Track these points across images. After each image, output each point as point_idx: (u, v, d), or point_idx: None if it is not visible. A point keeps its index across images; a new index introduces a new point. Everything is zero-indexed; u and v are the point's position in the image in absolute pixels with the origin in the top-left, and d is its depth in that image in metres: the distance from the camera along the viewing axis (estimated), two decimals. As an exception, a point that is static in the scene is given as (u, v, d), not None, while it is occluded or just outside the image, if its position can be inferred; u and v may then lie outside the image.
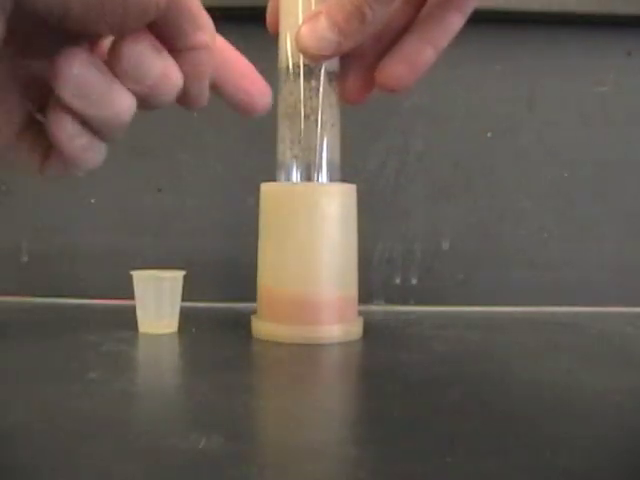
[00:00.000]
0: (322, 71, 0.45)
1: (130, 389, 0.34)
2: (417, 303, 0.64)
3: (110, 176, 0.63)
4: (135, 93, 0.28)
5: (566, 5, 0.61)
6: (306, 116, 0.45)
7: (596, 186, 0.65)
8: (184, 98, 0.31)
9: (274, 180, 0.47)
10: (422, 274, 0.64)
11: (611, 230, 0.65)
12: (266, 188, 0.47)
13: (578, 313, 0.62)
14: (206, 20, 0.30)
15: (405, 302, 0.64)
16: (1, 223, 0.65)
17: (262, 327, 0.46)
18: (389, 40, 0.44)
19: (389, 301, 0.64)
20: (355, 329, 0.47)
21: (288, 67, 0.45)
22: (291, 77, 0.45)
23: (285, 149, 0.45)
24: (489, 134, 0.64)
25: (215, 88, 0.32)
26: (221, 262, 0.64)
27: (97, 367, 0.37)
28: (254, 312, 0.48)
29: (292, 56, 0.45)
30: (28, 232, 0.65)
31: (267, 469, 0.23)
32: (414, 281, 0.64)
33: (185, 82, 0.29)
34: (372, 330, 0.48)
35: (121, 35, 0.27)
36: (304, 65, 0.44)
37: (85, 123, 0.27)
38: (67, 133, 0.27)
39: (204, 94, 0.31)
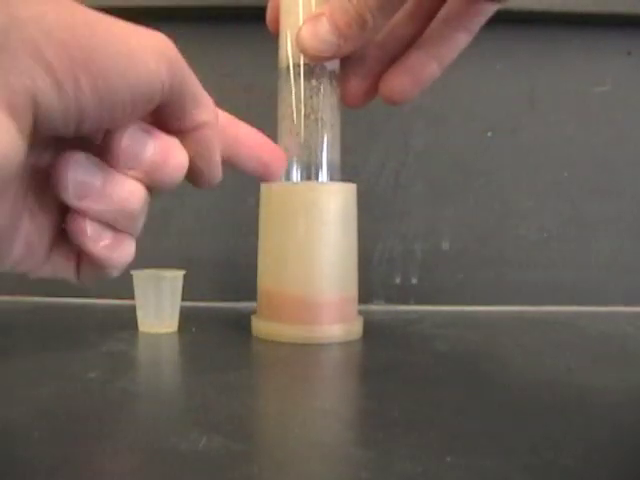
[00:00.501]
0: (323, 71, 0.45)
1: (130, 389, 0.34)
2: (417, 303, 0.64)
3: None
4: (138, 179, 0.28)
5: (566, 5, 0.61)
6: (306, 115, 0.45)
7: (596, 186, 0.65)
8: (196, 178, 0.31)
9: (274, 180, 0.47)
10: (422, 274, 0.64)
11: (611, 230, 0.65)
12: (266, 188, 0.47)
13: (578, 313, 0.62)
14: (206, 97, 0.30)
15: (405, 302, 0.64)
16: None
17: (262, 327, 0.46)
18: (394, 50, 0.44)
19: (389, 301, 0.64)
20: (355, 329, 0.47)
21: (288, 66, 0.45)
22: (291, 76, 0.45)
23: (285, 148, 0.45)
24: (489, 134, 0.64)
25: (228, 162, 0.33)
26: (221, 262, 0.64)
27: (97, 367, 0.37)
28: (254, 312, 0.48)
29: (292, 56, 0.45)
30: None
31: (267, 469, 0.23)
32: (414, 281, 0.64)
33: (195, 162, 0.30)
34: (372, 330, 0.48)
35: (125, 125, 0.27)
36: (304, 64, 0.44)
37: (102, 222, 0.28)
38: (88, 236, 0.28)
39: (216, 171, 0.32)
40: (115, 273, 0.30)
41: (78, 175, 0.27)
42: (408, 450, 0.25)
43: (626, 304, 0.64)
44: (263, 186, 0.47)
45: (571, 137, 0.65)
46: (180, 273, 0.47)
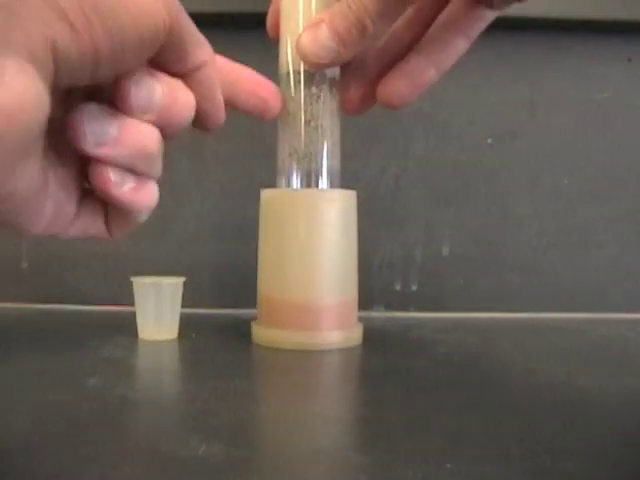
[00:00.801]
0: (323, 78, 0.45)
1: (130, 395, 0.33)
2: (417, 309, 0.64)
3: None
4: (151, 122, 0.29)
5: (567, 11, 0.61)
6: (306, 122, 0.45)
7: (596, 192, 0.65)
8: (202, 120, 0.32)
9: (274, 186, 0.47)
10: (422, 280, 0.64)
11: (611, 236, 0.65)
12: (266, 194, 0.47)
13: (578, 319, 0.62)
14: (203, 37, 0.31)
15: (405, 308, 0.64)
16: (1, 229, 0.65)
17: (262, 333, 0.46)
18: (393, 56, 0.44)
19: (389, 307, 0.64)
20: (355, 335, 0.47)
21: (289, 73, 0.45)
22: (291, 83, 0.45)
23: (285, 155, 0.46)
24: (489, 140, 0.65)
25: (228, 102, 0.34)
26: (221, 268, 0.64)
27: (97, 373, 0.37)
28: (254, 318, 0.48)
29: (292, 62, 0.45)
30: (28, 238, 0.65)
31: (267, 475, 0.23)
32: (414, 287, 0.64)
33: (199, 104, 0.31)
34: (372, 336, 0.48)
35: (132, 72, 0.28)
36: (304, 71, 0.44)
37: (122, 167, 0.29)
38: (112, 182, 0.29)
39: (220, 111, 0.33)
40: (142, 218, 0.32)
41: (93, 124, 0.27)
42: (408, 456, 0.25)
43: (626, 310, 0.64)
44: (263, 193, 0.47)
45: (571, 143, 0.65)
46: (180, 280, 0.47)
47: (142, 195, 0.30)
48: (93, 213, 0.31)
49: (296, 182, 0.45)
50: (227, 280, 0.64)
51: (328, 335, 0.45)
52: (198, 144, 0.63)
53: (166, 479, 0.22)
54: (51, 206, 0.28)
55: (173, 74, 0.30)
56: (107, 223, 0.32)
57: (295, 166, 0.45)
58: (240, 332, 0.49)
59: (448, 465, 0.24)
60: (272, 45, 0.46)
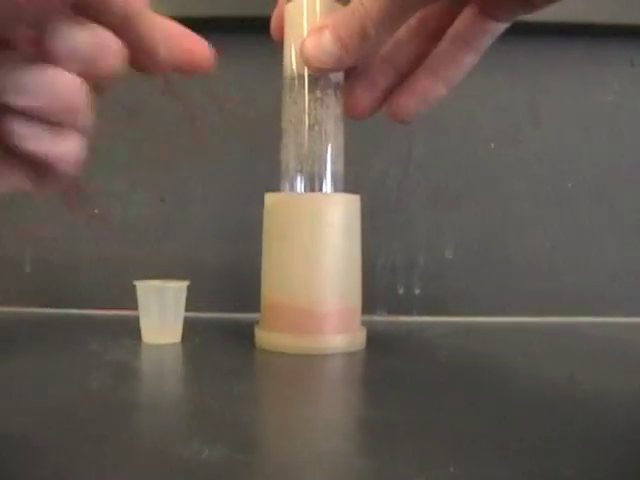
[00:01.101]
0: (327, 82, 0.45)
1: (133, 399, 0.34)
2: (420, 313, 0.64)
3: (112, 187, 0.63)
4: (74, 71, 0.27)
5: (569, 15, 0.61)
6: (310, 126, 0.45)
7: (599, 195, 0.65)
8: (138, 63, 0.31)
9: (278, 190, 0.47)
10: (425, 284, 0.64)
11: (615, 239, 0.65)
12: (270, 198, 0.47)
13: (580, 322, 0.62)
14: None
15: (408, 312, 0.64)
16: (4, 234, 0.65)
17: (265, 337, 0.46)
18: (399, 66, 0.45)
19: (392, 311, 0.64)
20: (358, 339, 0.47)
21: (293, 77, 0.45)
22: (295, 87, 0.45)
23: (289, 159, 0.46)
24: (492, 144, 0.65)
25: (154, 54, 0.31)
26: (225, 272, 0.64)
27: (100, 377, 0.37)
28: (257, 322, 0.48)
29: (297, 67, 0.45)
30: (31, 242, 0.65)
31: (270, 478, 0.23)
32: (417, 291, 0.64)
33: (134, 51, 0.29)
34: (375, 340, 0.48)
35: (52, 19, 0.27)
36: (309, 76, 0.44)
37: (39, 118, 0.27)
38: (18, 134, 0.27)
39: (157, 55, 0.31)
40: (66, 172, 0.29)
41: (8, 69, 0.26)
42: (411, 460, 0.25)
43: (629, 313, 0.64)
44: (267, 197, 0.47)
45: (574, 147, 0.65)
46: (184, 284, 0.48)
47: (59, 147, 0.28)
48: (20, 168, 0.29)
49: (300, 186, 0.45)
50: (231, 284, 0.64)
51: (331, 339, 0.45)
52: (201, 147, 0.64)
53: (169, 482, 0.22)
54: None
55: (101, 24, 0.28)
56: (33, 178, 0.30)
57: (299, 170, 0.45)
58: (243, 336, 0.49)
59: (451, 469, 0.24)
60: (276, 50, 0.47)
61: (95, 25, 0.28)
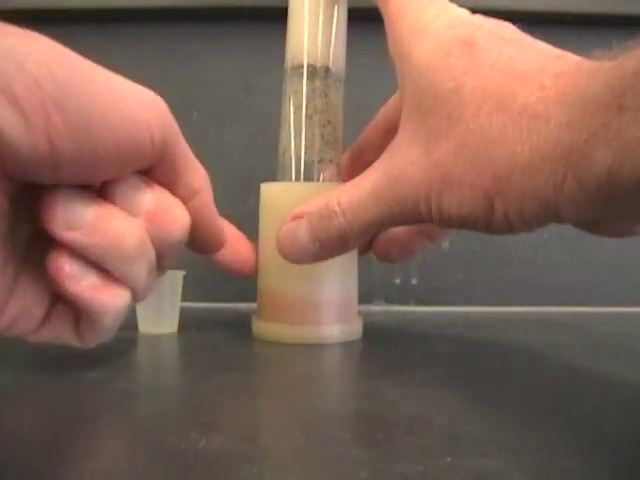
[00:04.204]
0: (327, 73, 0.44)
1: (129, 389, 0.34)
2: (417, 303, 0.64)
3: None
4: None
5: (569, 5, 0.61)
6: (308, 116, 0.45)
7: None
8: (199, 245, 0.34)
9: (274, 180, 0.47)
10: (422, 274, 0.64)
11: (612, 230, 0.65)
12: (266, 188, 0.47)
13: (578, 313, 0.62)
14: (198, 162, 0.31)
15: (405, 302, 0.64)
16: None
17: (262, 327, 0.46)
18: (433, 236, 0.46)
19: (389, 301, 0.64)
20: (355, 329, 0.47)
21: (292, 67, 0.45)
22: (295, 77, 0.45)
23: (286, 149, 0.45)
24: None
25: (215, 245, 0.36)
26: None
27: (97, 367, 0.37)
28: (254, 312, 0.48)
29: (296, 56, 0.44)
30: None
31: (267, 469, 0.23)
32: (414, 281, 0.64)
33: (195, 229, 0.31)
34: (372, 330, 0.48)
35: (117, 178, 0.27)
36: (308, 65, 0.44)
37: (89, 260, 0.27)
38: (66, 273, 0.26)
39: (219, 237, 0.35)
40: (107, 324, 0.29)
41: (68, 204, 0.25)
42: (408, 450, 0.25)
43: (626, 304, 0.64)
44: (263, 186, 0.47)
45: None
46: (180, 273, 0.47)
47: (105, 296, 0.27)
48: (64, 318, 0.29)
49: (296, 175, 0.45)
50: (227, 274, 0.64)
51: (328, 329, 0.45)
52: (197, 137, 0.63)
53: (165, 473, 0.22)
54: (15, 305, 0.27)
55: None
56: (78, 329, 0.30)
57: (296, 159, 0.45)
58: (240, 326, 0.49)
59: (448, 459, 0.24)
60: (276, 39, 0.46)
61: (165, 191, 0.29)
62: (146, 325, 0.47)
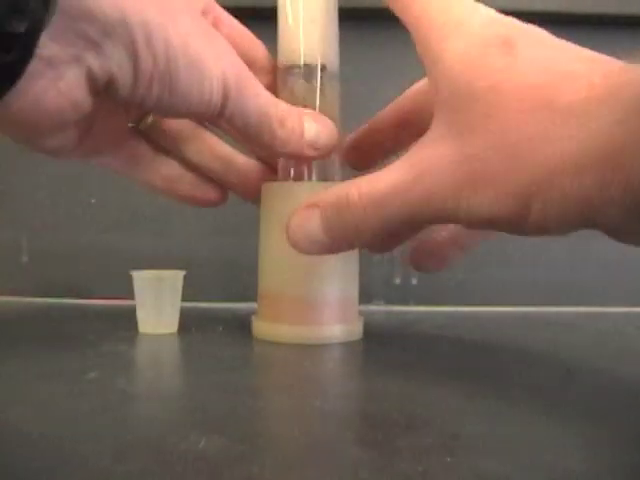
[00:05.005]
0: (323, 72, 0.44)
1: (130, 389, 0.33)
2: (417, 303, 0.64)
3: (110, 176, 0.63)
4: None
5: (571, 5, 0.61)
6: None
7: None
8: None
9: (275, 179, 0.46)
10: (422, 274, 0.64)
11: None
12: (267, 187, 0.47)
13: (578, 313, 0.62)
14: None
15: (405, 302, 0.64)
16: (1, 223, 0.65)
17: (262, 327, 0.46)
18: (469, 247, 0.46)
19: (389, 301, 0.64)
20: (356, 329, 0.47)
21: (288, 67, 0.45)
22: (291, 77, 0.45)
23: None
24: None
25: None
26: (221, 262, 0.64)
27: (97, 367, 0.37)
28: (255, 312, 0.48)
29: (290, 55, 0.44)
30: (28, 232, 0.65)
31: (267, 469, 0.23)
32: (414, 281, 0.64)
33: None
34: (372, 330, 0.48)
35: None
36: (304, 65, 0.44)
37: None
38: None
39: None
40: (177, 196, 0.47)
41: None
42: (408, 450, 0.25)
43: (626, 304, 0.64)
44: (263, 185, 0.47)
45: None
46: (180, 273, 0.47)
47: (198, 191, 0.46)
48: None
49: (297, 175, 0.45)
50: (227, 274, 0.64)
51: (328, 329, 0.45)
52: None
53: (165, 472, 0.22)
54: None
55: None
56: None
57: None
58: (240, 326, 0.49)
59: (448, 459, 0.24)
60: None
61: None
62: (146, 325, 0.47)
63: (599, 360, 0.42)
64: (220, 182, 0.46)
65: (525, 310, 0.62)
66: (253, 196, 0.47)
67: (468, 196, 0.30)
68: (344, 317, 0.46)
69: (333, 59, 0.45)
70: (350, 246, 0.38)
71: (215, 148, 0.44)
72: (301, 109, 0.41)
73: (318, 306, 0.44)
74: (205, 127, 0.44)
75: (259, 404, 0.32)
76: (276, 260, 0.46)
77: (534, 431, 0.28)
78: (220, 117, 0.36)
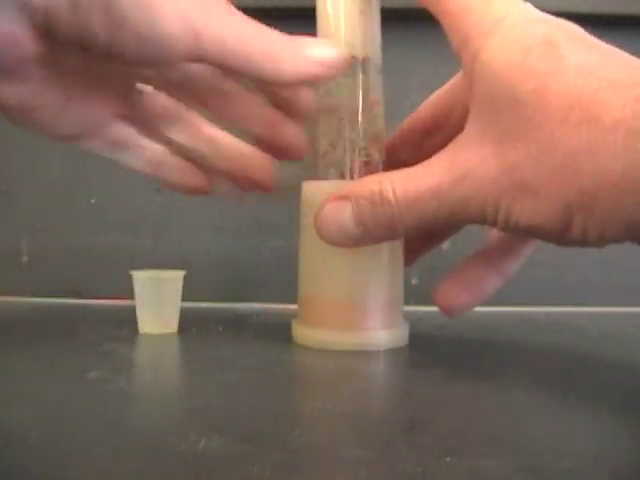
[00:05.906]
0: (368, 67, 0.42)
1: (130, 389, 0.33)
2: (417, 303, 0.64)
3: (110, 176, 0.63)
4: None
5: (571, 5, 0.61)
6: (367, 108, 0.43)
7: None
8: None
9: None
10: (422, 274, 0.64)
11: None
12: (309, 186, 0.44)
13: (578, 313, 0.62)
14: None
15: (405, 302, 0.64)
16: (1, 223, 0.65)
17: (303, 333, 0.44)
18: (504, 270, 0.41)
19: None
20: (402, 334, 0.46)
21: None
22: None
23: (327, 146, 0.43)
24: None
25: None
26: (221, 262, 0.64)
27: (97, 367, 0.37)
28: (295, 317, 0.46)
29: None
30: (28, 232, 0.65)
31: (267, 470, 0.23)
32: (414, 281, 0.64)
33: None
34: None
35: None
36: (353, 58, 0.41)
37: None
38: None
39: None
40: (167, 184, 0.42)
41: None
42: (408, 450, 0.25)
43: (626, 304, 0.64)
44: (305, 185, 0.44)
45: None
46: (180, 274, 0.47)
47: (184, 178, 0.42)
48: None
49: (341, 173, 0.43)
50: (227, 274, 0.64)
51: (375, 335, 0.43)
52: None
53: (165, 473, 0.22)
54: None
55: None
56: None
57: (337, 157, 0.43)
58: (241, 326, 0.49)
59: (448, 459, 0.24)
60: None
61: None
62: (146, 325, 0.47)
63: (600, 360, 0.42)
64: (207, 168, 0.42)
65: (525, 310, 0.62)
66: (241, 183, 0.42)
67: (508, 204, 0.30)
68: (389, 322, 0.44)
69: (376, 51, 0.43)
70: (383, 240, 0.37)
71: (200, 129, 0.40)
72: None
73: (363, 309, 0.43)
74: (193, 109, 0.41)
75: (259, 404, 0.32)
76: (319, 263, 0.43)
77: (534, 431, 0.28)
78: (200, 59, 0.31)
